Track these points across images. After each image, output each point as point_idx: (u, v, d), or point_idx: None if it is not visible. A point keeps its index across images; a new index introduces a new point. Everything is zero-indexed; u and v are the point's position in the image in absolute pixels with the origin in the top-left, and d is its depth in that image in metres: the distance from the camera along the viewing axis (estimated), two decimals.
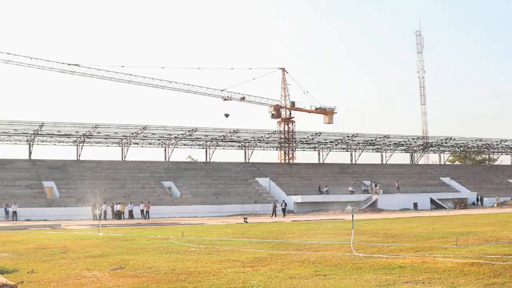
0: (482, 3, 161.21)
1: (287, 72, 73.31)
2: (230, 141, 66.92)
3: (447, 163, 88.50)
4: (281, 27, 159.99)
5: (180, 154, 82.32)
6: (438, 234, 21.06)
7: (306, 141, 70.35)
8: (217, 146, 66.92)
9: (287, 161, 71.66)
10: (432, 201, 60.56)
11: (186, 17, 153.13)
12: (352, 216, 18.22)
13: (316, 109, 73.76)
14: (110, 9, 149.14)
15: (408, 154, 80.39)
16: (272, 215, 47.71)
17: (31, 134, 56.92)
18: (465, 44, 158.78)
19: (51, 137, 58.73)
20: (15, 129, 55.54)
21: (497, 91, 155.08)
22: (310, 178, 65.39)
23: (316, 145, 72.54)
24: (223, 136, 63.88)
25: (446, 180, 71.56)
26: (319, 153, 73.57)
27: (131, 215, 46.68)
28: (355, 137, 69.06)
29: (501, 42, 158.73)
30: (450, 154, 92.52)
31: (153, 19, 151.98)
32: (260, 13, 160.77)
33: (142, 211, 47.47)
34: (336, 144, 71.84)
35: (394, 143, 74.47)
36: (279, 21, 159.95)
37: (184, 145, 66.51)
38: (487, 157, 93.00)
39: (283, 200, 52.25)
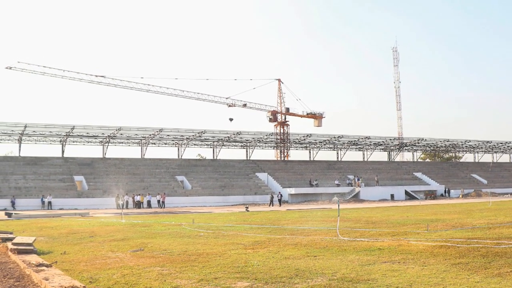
0: (447, 24, 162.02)
1: (282, 83, 73.21)
2: (234, 142, 66.88)
3: (419, 160, 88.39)
4: (278, 44, 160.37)
5: (191, 153, 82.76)
6: (412, 221, 21.03)
7: (299, 141, 70.33)
8: (222, 145, 66.87)
9: (282, 158, 71.58)
10: (406, 192, 60.56)
11: (196, 36, 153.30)
12: (338, 205, 18.24)
13: (307, 114, 73.65)
14: (133, 30, 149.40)
15: (386, 152, 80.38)
16: (269, 205, 47.68)
17: (64, 135, 56.89)
18: (435, 59, 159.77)
19: (81, 138, 58.70)
20: (50, 131, 55.57)
21: (462, 98, 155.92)
22: (302, 173, 65.33)
23: (307, 145, 72.52)
24: (228, 137, 63.83)
25: (418, 174, 71.50)
26: (309, 152, 73.54)
27: (149, 205, 46.66)
28: (341, 138, 69.06)
29: (463, 57, 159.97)
30: (422, 153, 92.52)
31: (168, 37, 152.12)
32: (260, 33, 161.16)
33: (158, 201, 47.44)
34: (324, 144, 71.80)
35: (374, 143, 74.45)
36: (276, 39, 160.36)
37: (195, 145, 66.46)
38: (453, 155, 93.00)
39: (279, 192, 52.22)
